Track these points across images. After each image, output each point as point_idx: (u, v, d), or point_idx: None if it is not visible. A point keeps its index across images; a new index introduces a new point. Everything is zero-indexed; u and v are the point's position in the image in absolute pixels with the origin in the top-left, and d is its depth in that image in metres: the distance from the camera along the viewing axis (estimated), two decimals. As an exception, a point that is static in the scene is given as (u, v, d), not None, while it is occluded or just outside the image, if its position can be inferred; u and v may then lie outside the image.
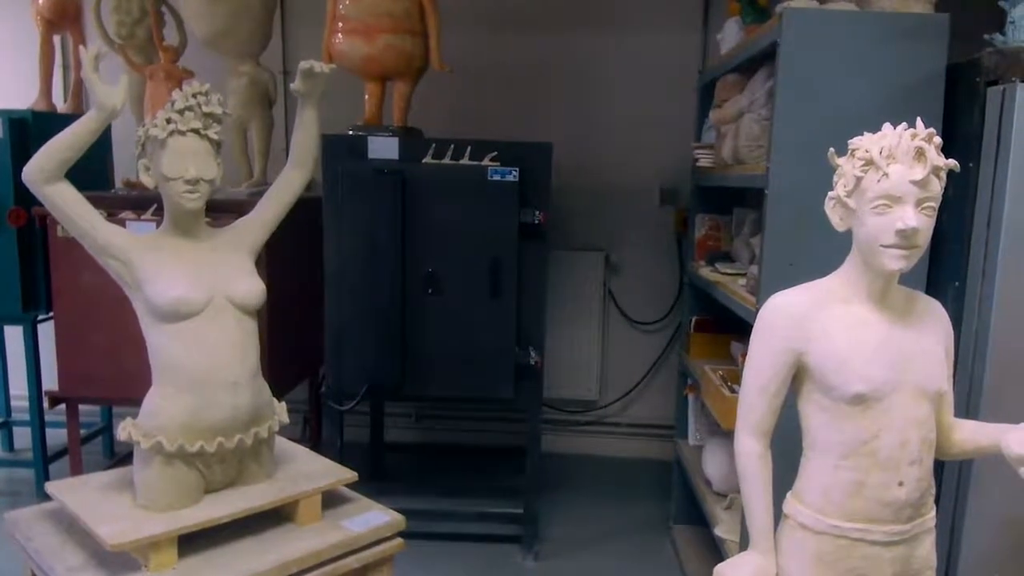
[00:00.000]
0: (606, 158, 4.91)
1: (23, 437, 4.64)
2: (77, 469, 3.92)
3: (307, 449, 2.68)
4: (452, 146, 3.53)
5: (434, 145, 3.54)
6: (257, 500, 2.28)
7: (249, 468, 2.35)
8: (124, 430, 2.18)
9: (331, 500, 2.48)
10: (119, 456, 4.78)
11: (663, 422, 4.93)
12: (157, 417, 2.18)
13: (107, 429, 4.91)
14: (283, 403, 2.46)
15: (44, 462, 4.24)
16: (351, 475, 2.49)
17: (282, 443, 2.61)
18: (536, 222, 3.54)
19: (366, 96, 3.88)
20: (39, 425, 4.19)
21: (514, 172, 3.48)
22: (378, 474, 4.58)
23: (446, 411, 5.17)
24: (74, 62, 4.81)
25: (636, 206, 4.94)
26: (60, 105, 4.66)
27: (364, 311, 3.58)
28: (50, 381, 3.91)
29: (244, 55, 4.16)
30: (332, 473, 2.49)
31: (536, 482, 3.84)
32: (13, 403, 4.95)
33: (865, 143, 1.73)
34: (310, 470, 2.49)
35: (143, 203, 3.60)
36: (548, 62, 4.87)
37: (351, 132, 3.75)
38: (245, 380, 2.26)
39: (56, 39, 4.68)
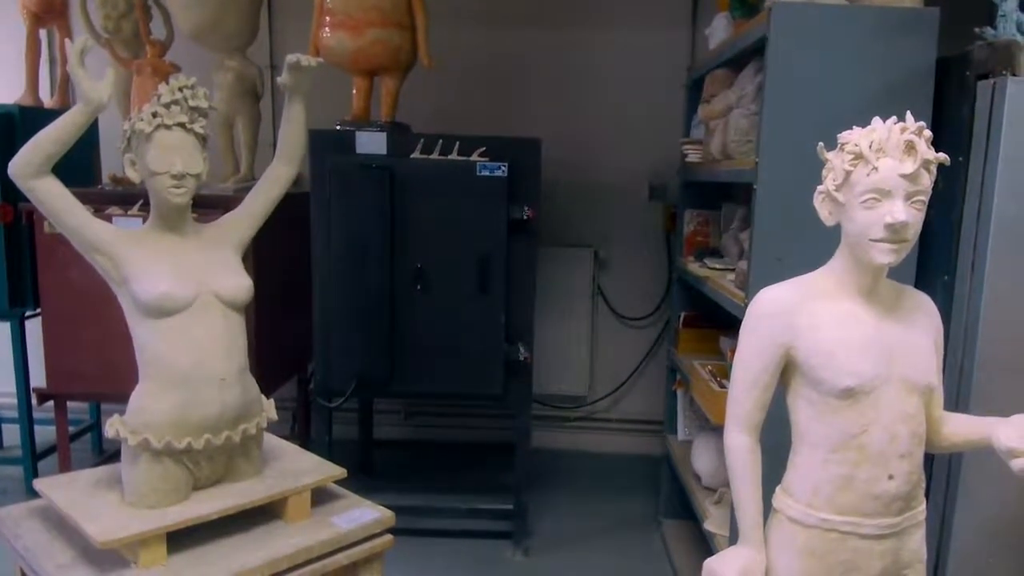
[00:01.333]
0: (595, 154, 4.91)
1: (11, 434, 4.63)
2: (65, 466, 3.90)
3: (296, 446, 2.66)
4: (440, 141, 3.52)
5: (422, 140, 3.53)
6: (246, 497, 2.26)
7: (238, 465, 2.34)
8: (112, 427, 2.17)
9: (320, 497, 2.46)
10: (108, 453, 4.77)
11: (652, 417, 4.95)
12: (144, 414, 2.16)
13: (96, 426, 4.90)
14: (271, 400, 2.45)
15: (32, 459, 4.22)
16: (340, 472, 2.48)
17: (271, 440, 2.60)
18: (525, 218, 3.53)
19: (354, 91, 3.86)
20: (27, 422, 4.17)
21: (503, 168, 3.47)
22: (367, 471, 4.56)
23: (435, 407, 5.16)
24: (60, 56, 4.78)
25: (625, 202, 4.94)
26: (47, 100, 4.62)
27: (352, 307, 3.56)
28: (38, 378, 3.89)
29: (231, 49, 4.14)
30: (321, 470, 2.47)
31: (526, 478, 3.84)
32: (1, 400, 4.91)
33: (854, 137, 1.73)
34: (299, 467, 2.48)
35: (129, 199, 3.58)
36: (537, 58, 4.86)
37: (338, 127, 3.73)
38: (233, 376, 2.25)
39: (42, 33, 4.65)
